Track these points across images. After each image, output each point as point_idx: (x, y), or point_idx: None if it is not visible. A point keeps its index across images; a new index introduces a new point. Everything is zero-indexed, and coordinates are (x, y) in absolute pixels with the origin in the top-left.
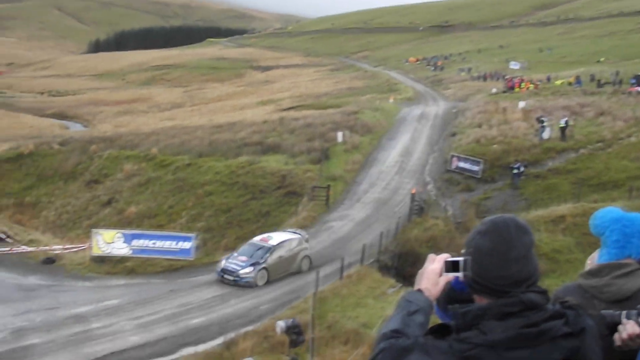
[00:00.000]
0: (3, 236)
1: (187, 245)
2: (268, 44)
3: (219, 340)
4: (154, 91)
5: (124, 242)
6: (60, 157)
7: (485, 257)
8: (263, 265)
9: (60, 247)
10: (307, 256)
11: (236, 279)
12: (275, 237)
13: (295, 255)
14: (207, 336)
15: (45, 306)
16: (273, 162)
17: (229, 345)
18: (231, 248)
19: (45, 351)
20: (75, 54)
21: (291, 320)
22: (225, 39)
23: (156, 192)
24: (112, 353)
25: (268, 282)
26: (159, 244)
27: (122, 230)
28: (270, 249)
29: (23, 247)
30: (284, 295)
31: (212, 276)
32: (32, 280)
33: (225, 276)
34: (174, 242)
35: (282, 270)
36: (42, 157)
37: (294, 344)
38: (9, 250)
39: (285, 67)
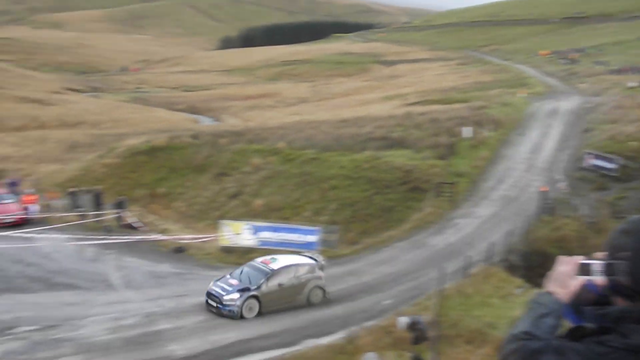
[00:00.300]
0: (139, 225)
1: (312, 238)
2: (394, 38)
3: (341, 334)
4: (281, 86)
5: (251, 233)
6: (191, 150)
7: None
8: (253, 293)
9: (190, 236)
10: (319, 287)
11: (219, 306)
12: (281, 261)
13: (302, 285)
14: (329, 329)
15: (175, 293)
16: (398, 157)
17: (351, 338)
18: (355, 242)
19: (174, 336)
20: (207, 50)
21: (414, 317)
22: (351, 34)
23: (282, 185)
24: (238, 341)
25: (260, 315)
26: (285, 236)
27: (249, 222)
28: (268, 274)
29: (156, 235)
30: (407, 292)
31: (335, 270)
32: (164, 268)
33: (209, 301)
34: (299, 235)
35: (281, 301)
36: (175, 149)
37: (416, 341)
38: (143, 239)
39: (411, 61)
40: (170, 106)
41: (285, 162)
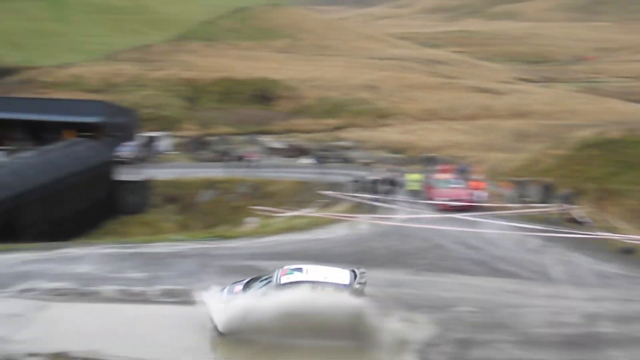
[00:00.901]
0: (585, 220)
1: None
2: None
3: None
4: None
5: None
6: None
7: None
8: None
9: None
10: None
11: None
12: (304, 274)
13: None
14: None
15: (619, 296)
16: None
17: None
18: None
19: (616, 342)
20: None
21: None
22: None
23: None
24: None
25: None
26: None
27: None
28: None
29: (603, 233)
30: None
31: None
32: (610, 267)
33: None
34: None
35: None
36: (631, 143)
37: None
38: (588, 235)
39: None
40: (626, 97)
41: None
